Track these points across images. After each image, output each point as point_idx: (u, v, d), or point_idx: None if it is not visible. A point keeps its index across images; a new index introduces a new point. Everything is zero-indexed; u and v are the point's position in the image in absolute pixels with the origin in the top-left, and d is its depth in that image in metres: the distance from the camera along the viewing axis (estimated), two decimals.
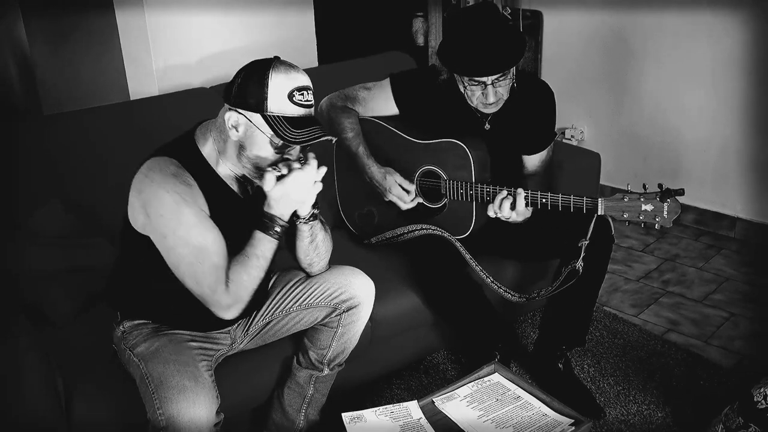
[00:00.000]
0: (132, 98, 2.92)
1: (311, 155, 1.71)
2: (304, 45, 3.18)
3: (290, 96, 1.63)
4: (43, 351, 1.80)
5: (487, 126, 2.28)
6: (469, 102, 2.19)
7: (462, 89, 2.17)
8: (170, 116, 2.45)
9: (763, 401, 1.82)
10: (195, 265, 1.65)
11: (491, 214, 2.12)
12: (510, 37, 2.11)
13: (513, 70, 2.14)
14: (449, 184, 2.24)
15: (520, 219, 2.11)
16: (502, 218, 2.11)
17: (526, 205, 2.08)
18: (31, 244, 2.13)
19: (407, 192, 2.28)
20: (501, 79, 2.11)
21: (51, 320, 2.06)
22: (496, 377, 1.96)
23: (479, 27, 2.08)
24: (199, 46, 2.87)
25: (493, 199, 2.11)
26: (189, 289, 1.69)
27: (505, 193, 2.08)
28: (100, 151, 2.36)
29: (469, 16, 2.12)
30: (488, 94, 2.13)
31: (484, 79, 2.10)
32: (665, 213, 1.88)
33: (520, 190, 2.06)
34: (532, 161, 2.37)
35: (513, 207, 2.08)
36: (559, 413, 1.82)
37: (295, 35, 3.13)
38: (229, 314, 1.71)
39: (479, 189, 2.17)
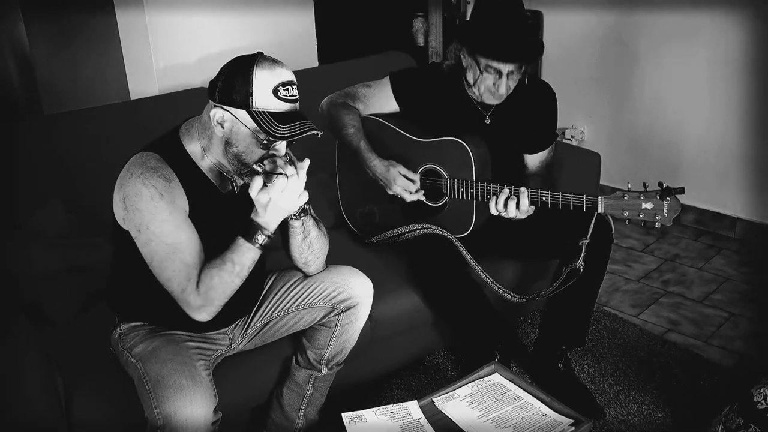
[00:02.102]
0: (132, 98, 2.92)
1: (300, 164, 1.67)
2: (304, 45, 3.18)
3: (275, 91, 1.63)
4: (43, 351, 1.80)
5: (488, 120, 2.28)
6: (475, 91, 2.19)
7: (471, 78, 2.18)
8: (170, 116, 2.43)
9: (763, 401, 1.82)
10: (166, 262, 1.65)
11: (494, 211, 2.12)
12: (534, 32, 2.16)
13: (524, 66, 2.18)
14: (450, 182, 2.24)
15: (522, 216, 2.11)
16: (506, 216, 2.11)
17: (509, 198, 2.08)
18: (31, 244, 2.13)
19: (412, 182, 2.28)
20: (516, 72, 2.14)
21: (51, 320, 2.06)
22: (496, 377, 1.96)
23: (511, 15, 2.12)
24: (199, 46, 2.87)
25: (496, 196, 2.11)
26: (164, 287, 1.68)
27: (507, 192, 2.08)
28: (101, 151, 2.36)
29: (500, 3, 2.15)
30: (500, 84, 2.15)
31: (502, 67, 2.12)
32: (665, 211, 1.88)
33: (523, 189, 2.06)
34: (533, 161, 2.37)
35: (517, 206, 2.07)
36: (559, 413, 1.82)
37: (295, 35, 3.13)
38: (199, 316, 1.69)
39: (480, 187, 2.17)
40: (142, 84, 2.87)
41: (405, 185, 2.26)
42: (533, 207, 2.09)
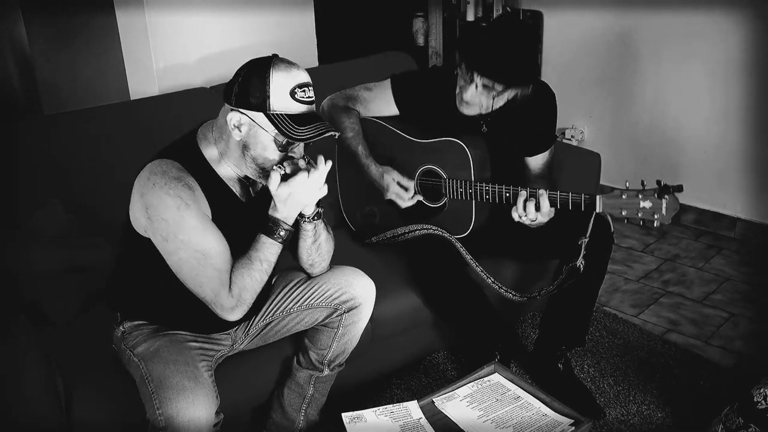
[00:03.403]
0: (132, 98, 2.92)
1: (321, 158, 1.71)
2: (304, 45, 3.18)
3: (292, 93, 1.64)
4: (43, 351, 1.80)
5: (484, 129, 2.28)
6: (457, 101, 2.19)
7: (459, 87, 2.17)
8: (170, 116, 2.45)
9: (763, 401, 1.82)
10: (197, 269, 1.66)
11: (515, 217, 2.08)
12: (524, 58, 2.11)
13: (502, 95, 2.13)
14: (449, 183, 2.24)
15: (545, 220, 2.08)
16: (527, 222, 2.07)
17: (527, 200, 2.06)
18: (31, 244, 2.13)
19: (406, 189, 2.29)
20: (492, 90, 2.10)
21: (51, 320, 2.06)
22: (496, 377, 1.96)
23: (505, 35, 2.08)
24: (199, 46, 2.87)
25: (498, 199, 2.11)
26: (192, 292, 1.70)
27: (525, 194, 2.05)
28: (101, 151, 2.36)
29: (502, 22, 2.18)
30: (468, 88, 2.11)
31: (476, 79, 2.09)
32: (663, 210, 1.87)
33: (522, 192, 2.05)
34: (535, 163, 2.36)
35: (537, 208, 2.05)
36: (559, 413, 1.82)
37: (295, 35, 3.13)
38: (233, 316, 1.73)
39: (479, 188, 2.17)
40: (142, 84, 2.87)
41: (398, 192, 2.27)
42: (554, 210, 2.06)
